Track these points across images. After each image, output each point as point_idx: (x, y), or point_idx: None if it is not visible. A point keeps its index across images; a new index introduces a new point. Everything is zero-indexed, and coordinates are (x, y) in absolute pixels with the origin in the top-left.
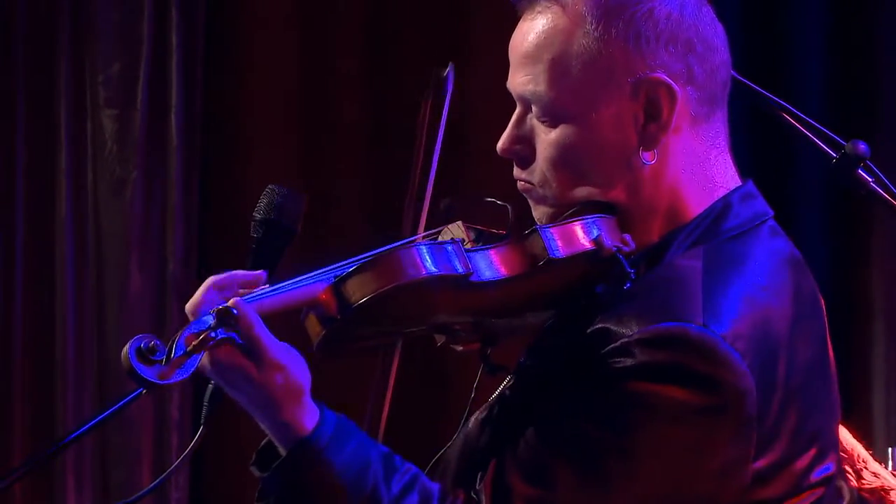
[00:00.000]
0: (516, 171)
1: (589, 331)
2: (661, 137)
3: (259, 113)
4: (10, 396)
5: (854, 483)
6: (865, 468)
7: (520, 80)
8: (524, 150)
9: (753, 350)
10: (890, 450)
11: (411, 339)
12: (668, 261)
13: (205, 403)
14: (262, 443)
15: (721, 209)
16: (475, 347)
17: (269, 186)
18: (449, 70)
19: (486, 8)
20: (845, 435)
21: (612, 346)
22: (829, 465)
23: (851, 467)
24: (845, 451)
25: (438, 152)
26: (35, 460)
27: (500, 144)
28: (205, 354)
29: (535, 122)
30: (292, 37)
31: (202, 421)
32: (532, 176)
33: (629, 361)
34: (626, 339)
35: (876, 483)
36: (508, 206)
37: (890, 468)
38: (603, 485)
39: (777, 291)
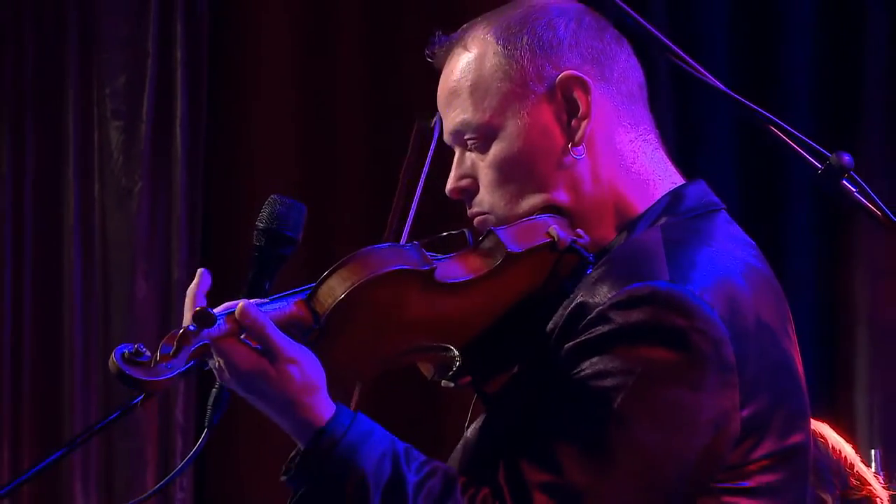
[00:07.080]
0: (469, 210)
1: (568, 311)
2: (586, 127)
3: (262, 124)
4: (19, 401)
5: (838, 491)
6: (851, 473)
7: (449, 119)
8: (470, 185)
9: (721, 301)
10: (873, 451)
11: (398, 364)
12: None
13: (209, 407)
14: (291, 455)
15: (672, 199)
16: (467, 381)
17: (272, 196)
18: (435, 121)
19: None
20: (833, 436)
21: (589, 317)
22: (805, 437)
23: (837, 474)
24: (832, 455)
25: (418, 198)
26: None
27: (447, 187)
28: (220, 360)
29: (473, 155)
30: (295, 50)
31: (207, 424)
32: (482, 205)
33: (606, 327)
34: (600, 308)
35: (861, 491)
36: (465, 230)
37: (873, 470)
38: (606, 457)
39: (735, 259)
